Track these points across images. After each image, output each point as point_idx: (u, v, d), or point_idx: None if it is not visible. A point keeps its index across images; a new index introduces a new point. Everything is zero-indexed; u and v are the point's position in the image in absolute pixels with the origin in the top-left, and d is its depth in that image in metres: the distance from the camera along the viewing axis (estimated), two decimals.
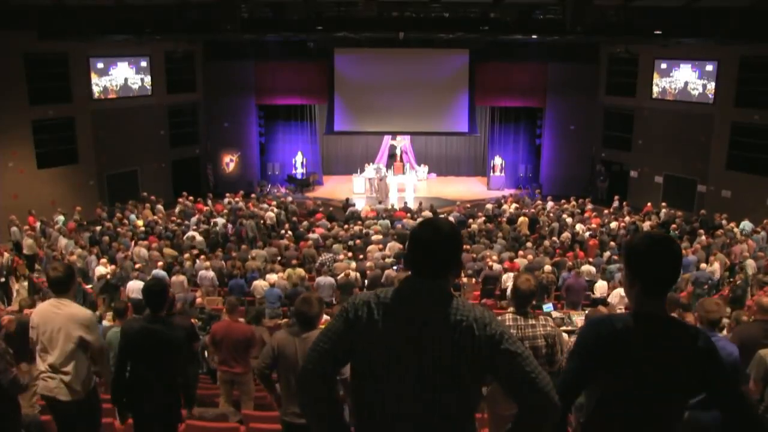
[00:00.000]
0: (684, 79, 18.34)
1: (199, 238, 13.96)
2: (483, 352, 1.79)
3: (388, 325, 1.82)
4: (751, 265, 11.26)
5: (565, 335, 5.34)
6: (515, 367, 1.77)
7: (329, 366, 1.89)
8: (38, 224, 14.46)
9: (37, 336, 3.93)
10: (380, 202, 18.70)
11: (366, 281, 10.99)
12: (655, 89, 19.10)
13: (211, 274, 11.02)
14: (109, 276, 10.75)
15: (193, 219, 15.62)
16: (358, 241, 13.37)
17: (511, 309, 3.65)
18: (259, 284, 10.51)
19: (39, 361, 3.96)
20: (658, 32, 14.85)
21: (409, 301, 1.84)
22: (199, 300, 9.88)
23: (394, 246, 12.75)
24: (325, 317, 6.45)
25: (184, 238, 14.01)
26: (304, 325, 3.69)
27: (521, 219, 15.57)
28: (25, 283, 12.51)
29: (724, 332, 6.38)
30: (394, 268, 10.99)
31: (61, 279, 3.90)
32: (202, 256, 12.25)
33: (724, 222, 14.62)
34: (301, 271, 11.27)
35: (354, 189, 20.81)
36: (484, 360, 1.79)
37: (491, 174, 21.90)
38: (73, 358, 3.90)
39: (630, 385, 1.93)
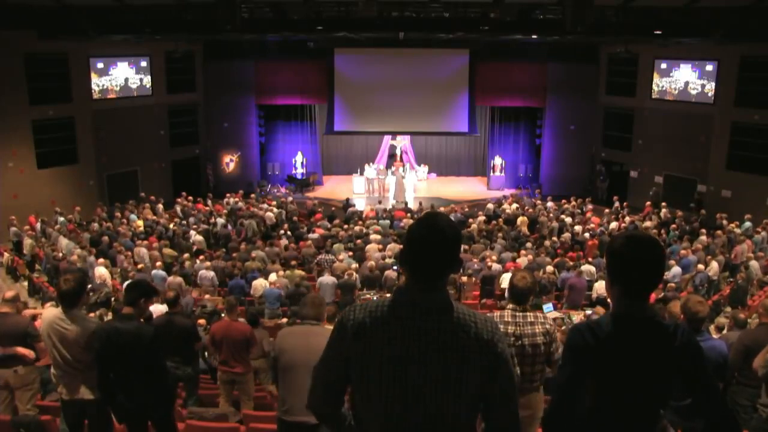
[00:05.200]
0: (684, 79, 18.34)
1: (199, 237, 13.98)
2: (485, 362, 1.77)
3: (387, 340, 1.77)
4: (755, 265, 11.25)
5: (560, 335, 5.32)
6: (507, 379, 1.81)
7: (336, 396, 1.94)
8: (38, 224, 14.46)
9: (49, 343, 3.92)
10: (380, 202, 18.70)
11: (365, 281, 10.99)
12: (655, 89, 19.10)
13: (211, 274, 11.03)
14: (108, 283, 10.75)
15: (191, 219, 15.63)
16: (358, 241, 13.36)
17: (510, 306, 3.63)
18: (259, 284, 10.51)
19: (56, 365, 3.96)
20: (658, 32, 14.84)
21: (407, 314, 1.77)
22: (206, 296, 9.91)
23: (394, 246, 12.76)
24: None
25: (190, 236, 14.09)
26: (304, 318, 3.68)
27: (521, 219, 15.58)
28: (26, 283, 12.52)
29: (725, 331, 6.39)
30: (394, 268, 10.99)
31: (73, 292, 3.86)
32: (202, 256, 12.25)
33: (724, 222, 14.62)
34: (300, 271, 11.27)
35: (354, 189, 20.81)
36: (486, 370, 1.77)
37: (491, 174, 21.91)
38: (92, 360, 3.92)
39: (614, 386, 1.93)
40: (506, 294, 9.77)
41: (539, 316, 3.59)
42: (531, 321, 3.54)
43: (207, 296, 10.19)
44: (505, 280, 10.71)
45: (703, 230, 13.81)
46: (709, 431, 1.91)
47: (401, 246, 1.87)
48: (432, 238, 1.76)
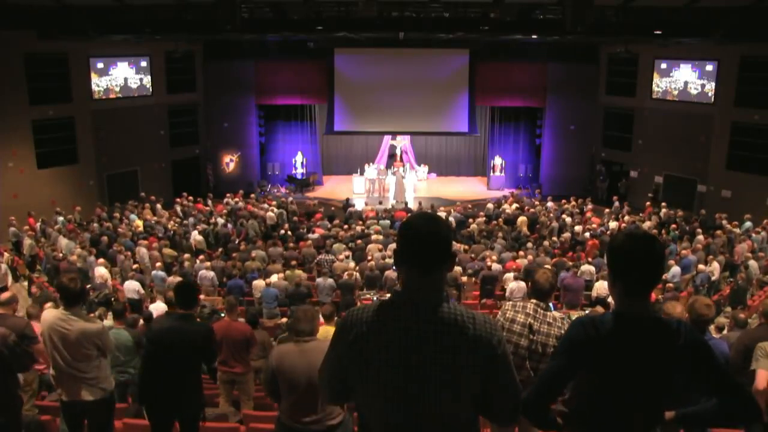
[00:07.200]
0: (684, 79, 18.34)
1: (199, 237, 13.98)
2: (485, 362, 1.77)
3: (386, 344, 1.78)
4: (754, 265, 11.26)
5: None
6: (507, 374, 1.83)
7: (345, 395, 1.98)
8: (39, 224, 14.46)
9: (49, 345, 3.92)
10: (380, 202, 18.71)
11: (365, 281, 10.99)
12: (655, 89, 19.10)
13: (211, 274, 11.02)
14: (109, 283, 10.77)
15: (191, 219, 15.63)
16: (358, 242, 13.36)
17: (533, 300, 3.63)
18: (259, 284, 10.51)
19: (56, 367, 3.94)
20: (658, 32, 14.84)
21: (406, 316, 1.78)
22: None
23: (394, 246, 12.73)
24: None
25: (190, 236, 14.09)
26: (297, 334, 3.65)
27: (521, 219, 15.57)
28: (26, 283, 12.51)
29: (725, 332, 6.39)
30: (394, 268, 10.98)
31: (77, 292, 3.89)
32: (202, 256, 12.25)
33: (724, 222, 14.61)
34: (300, 272, 11.26)
35: (354, 189, 20.81)
36: (485, 370, 1.78)
37: (491, 174, 21.90)
38: (93, 361, 3.94)
39: (617, 386, 1.93)
40: (507, 296, 9.82)
41: (558, 319, 3.58)
42: (549, 322, 3.55)
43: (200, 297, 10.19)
44: (506, 280, 10.72)
45: (700, 230, 13.81)
46: (726, 415, 1.91)
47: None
48: (424, 226, 1.80)
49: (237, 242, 14.11)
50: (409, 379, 1.76)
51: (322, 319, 6.19)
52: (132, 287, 10.18)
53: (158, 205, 16.70)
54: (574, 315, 9.05)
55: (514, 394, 1.86)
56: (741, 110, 16.82)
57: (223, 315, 7.61)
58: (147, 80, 19.26)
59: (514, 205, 17.41)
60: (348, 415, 3.62)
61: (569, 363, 1.96)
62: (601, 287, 10.31)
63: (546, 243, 13.19)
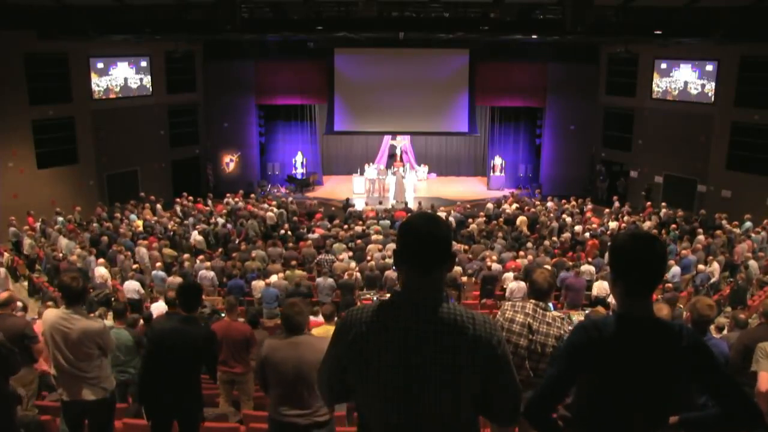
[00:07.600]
0: (684, 79, 18.34)
1: (199, 237, 13.98)
2: (485, 362, 1.77)
3: (385, 344, 1.78)
4: (754, 265, 11.26)
5: None
6: (507, 375, 1.83)
7: (343, 395, 1.99)
8: (38, 224, 14.46)
9: (50, 345, 3.91)
10: (380, 202, 18.71)
11: (365, 281, 10.99)
12: (655, 89, 19.10)
13: (211, 274, 11.02)
14: (109, 283, 10.77)
15: (191, 219, 15.63)
16: (358, 242, 13.36)
17: (532, 300, 3.62)
18: (259, 284, 10.51)
19: (57, 366, 3.94)
20: (658, 32, 14.84)
21: (406, 316, 1.78)
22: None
23: (394, 246, 12.72)
24: (319, 318, 6.46)
25: (190, 236, 14.10)
26: (291, 330, 3.64)
27: (521, 219, 15.58)
28: (25, 283, 12.52)
29: (725, 332, 6.39)
30: (394, 268, 10.98)
31: (79, 291, 3.89)
32: (202, 256, 12.25)
33: (724, 222, 14.61)
34: (300, 272, 11.26)
35: (354, 189, 20.81)
36: (485, 370, 1.78)
37: (491, 174, 21.91)
38: (94, 360, 3.94)
39: (618, 387, 1.92)
40: (507, 296, 9.83)
41: (557, 320, 3.57)
42: (548, 322, 3.54)
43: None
44: (506, 280, 10.73)
45: (700, 230, 13.81)
46: (727, 419, 1.90)
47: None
48: (424, 226, 1.79)
49: (237, 242, 14.12)
50: (409, 379, 1.76)
51: (322, 319, 6.19)
52: (132, 287, 10.18)
53: (158, 205, 16.70)
54: (575, 315, 9.06)
55: (514, 394, 1.86)
56: (741, 110, 16.82)
57: (223, 315, 7.61)
58: (147, 80, 19.27)
59: (514, 205, 17.40)
60: (332, 417, 3.64)
61: (571, 367, 1.97)
62: (601, 287, 10.32)
63: (546, 243, 13.20)
